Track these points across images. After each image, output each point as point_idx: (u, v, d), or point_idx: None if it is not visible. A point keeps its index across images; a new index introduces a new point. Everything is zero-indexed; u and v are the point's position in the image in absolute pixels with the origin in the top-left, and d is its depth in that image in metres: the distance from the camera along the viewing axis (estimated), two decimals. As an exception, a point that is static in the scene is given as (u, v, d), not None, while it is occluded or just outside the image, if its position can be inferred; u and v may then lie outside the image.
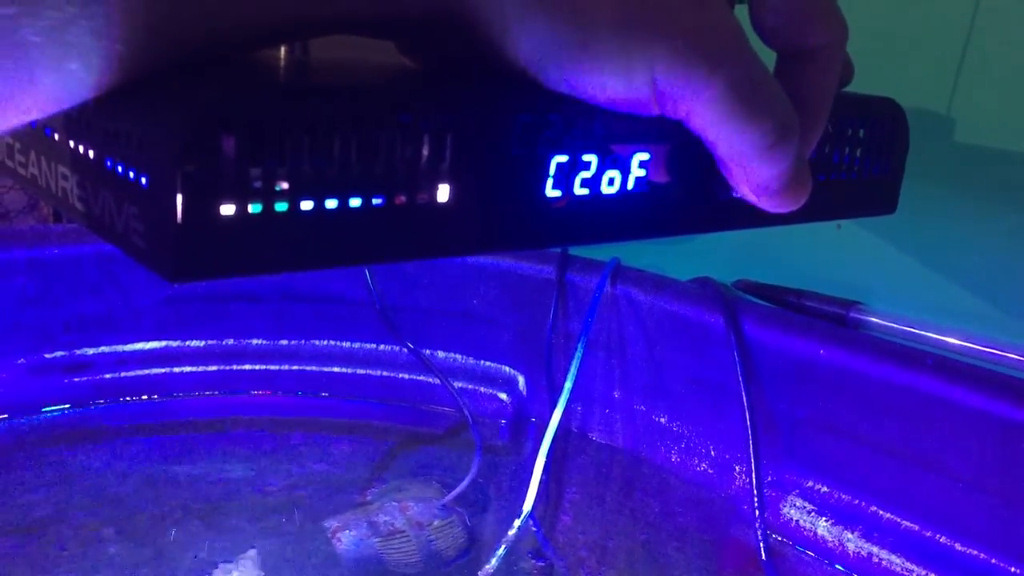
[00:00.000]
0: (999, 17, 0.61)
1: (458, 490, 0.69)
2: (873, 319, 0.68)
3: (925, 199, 0.65)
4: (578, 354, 0.74)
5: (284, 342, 0.82)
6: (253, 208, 0.18)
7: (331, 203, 0.19)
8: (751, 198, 0.25)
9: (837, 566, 0.65)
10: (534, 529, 0.66)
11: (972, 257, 0.66)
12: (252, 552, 0.61)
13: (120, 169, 0.19)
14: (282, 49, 0.24)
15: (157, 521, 0.64)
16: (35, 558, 0.59)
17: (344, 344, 0.83)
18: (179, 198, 0.18)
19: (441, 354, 0.83)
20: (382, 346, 0.83)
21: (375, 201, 0.20)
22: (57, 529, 0.62)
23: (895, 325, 0.67)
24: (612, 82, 0.22)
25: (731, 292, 0.73)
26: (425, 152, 0.21)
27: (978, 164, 0.64)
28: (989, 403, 0.58)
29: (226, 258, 0.19)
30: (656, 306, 0.73)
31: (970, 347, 0.63)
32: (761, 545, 0.65)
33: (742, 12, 0.26)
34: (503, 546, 0.64)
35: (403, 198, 0.20)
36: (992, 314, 0.65)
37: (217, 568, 0.60)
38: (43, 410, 0.75)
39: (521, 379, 0.82)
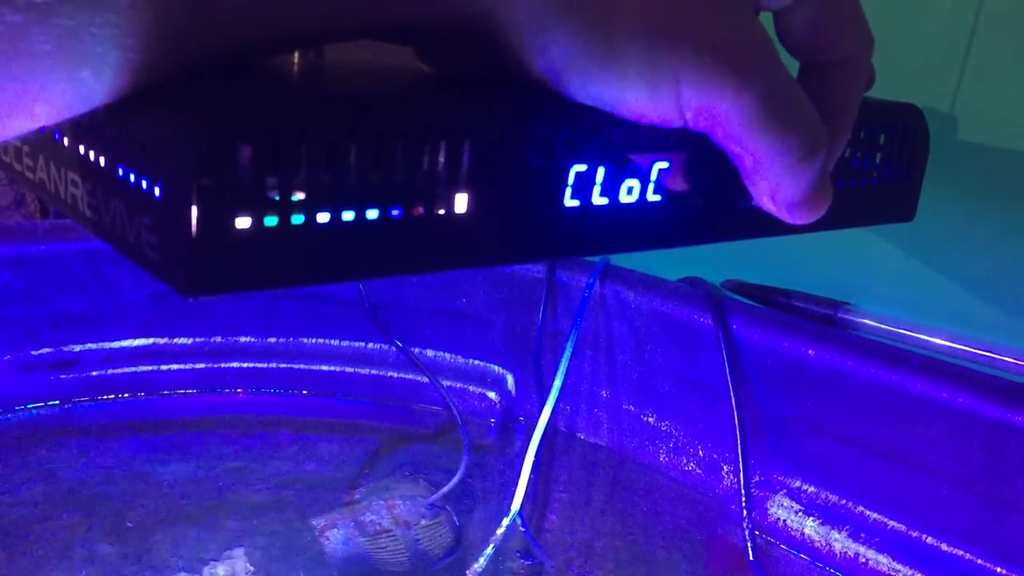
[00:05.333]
0: (1003, 15, 0.61)
1: (446, 489, 0.69)
2: (861, 320, 0.68)
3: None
4: (567, 353, 0.73)
5: (272, 340, 0.82)
6: (269, 221, 0.18)
7: (348, 215, 0.19)
8: (771, 209, 0.25)
9: (825, 566, 0.65)
10: (522, 529, 0.66)
11: (961, 258, 0.66)
12: (239, 551, 0.61)
13: (132, 178, 0.19)
14: (296, 54, 0.23)
15: (143, 520, 0.64)
16: (19, 558, 0.59)
17: (332, 342, 0.82)
18: (194, 210, 0.17)
19: (430, 353, 0.83)
20: (371, 344, 0.83)
21: (393, 212, 0.20)
22: (42, 528, 0.62)
23: (883, 326, 0.67)
24: (636, 95, 0.22)
25: (720, 292, 0.73)
26: (443, 162, 0.20)
27: (971, 164, 0.64)
28: (976, 404, 0.59)
29: (241, 272, 0.18)
30: (645, 306, 0.73)
31: (958, 348, 0.64)
32: (749, 545, 0.65)
33: (767, 21, 0.26)
34: (491, 545, 0.64)
35: (421, 209, 0.20)
36: (980, 315, 0.66)
37: (204, 566, 0.60)
38: (28, 407, 0.74)
39: (510, 378, 0.82)
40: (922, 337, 0.66)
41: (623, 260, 0.77)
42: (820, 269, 0.72)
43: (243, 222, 0.18)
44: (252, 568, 0.60)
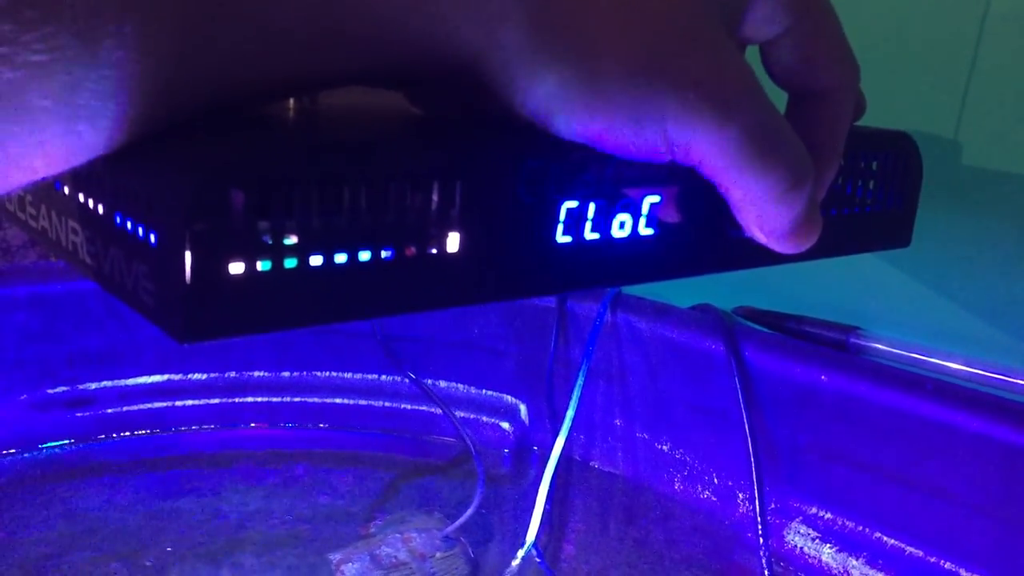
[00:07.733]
0: (1005, 40, 0.61)
1: (461, 520, 0.69)
2: (874, 344, 0.68)
3: (925, 223, 0.65)
4: (579, 382, 0.73)
5: (286, 374, 0.82)
6: (263, 266, 0.18)
7: (340, 257, 0.19)
8: (761, 239, 0.25)
9: (842, 593, 0.65)
10: (537, 560, 0.66)
11: (972, 281, 0.66)
12: (256, 586, 0.61)
13: (129, 226, 0.19)
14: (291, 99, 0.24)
15: (160, 556, 0.64)
16: (38, 596, 0.59)
17: (346, 375, 0.83)
18: (188, 257, 0.17)
19: (443, 384, 0.83)
20: (384, 377, 0.83)
21: (384, 254, 0.20)
22: (59, 566, 0.62)
23: (896, 350, 0.67)
24: (622, 133, 0.22)
25: (731, 319, 0.73)
26: (435, 201, 0.20)
27: (980, 187, 0.64)
28: (991, 428, 0.58)
29: (236, 317, 0.18)
30: (657, 333, 0.74)
31: (972, 372, 0.63)
32: (766, 573, 0.65)
33: (753, 53, 0.26)
34: (507, 577, 0.64)
35: (413, 249, 0.20)
36: (993, 338, 0.65)
37: (221, 603, 0.60)
38: (45, 446, 0.75)
39: (523, 408, 0.82)
40: (935, 361, 0.65)
41: (633, 288, 0.77)
42: (830, 294, 0.72)
43: (236, 267, 0.18)
44: (269, 603, 0.60)
